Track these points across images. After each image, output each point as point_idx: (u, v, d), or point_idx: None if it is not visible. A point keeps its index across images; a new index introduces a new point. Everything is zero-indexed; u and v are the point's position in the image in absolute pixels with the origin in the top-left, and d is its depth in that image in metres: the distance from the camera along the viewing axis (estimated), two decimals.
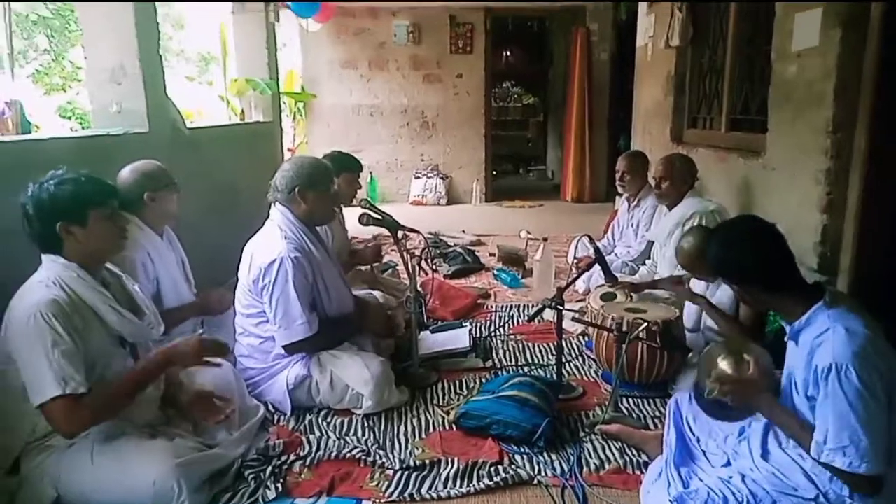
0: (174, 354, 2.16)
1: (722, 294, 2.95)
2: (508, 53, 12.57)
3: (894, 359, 1.75)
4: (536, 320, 3.26)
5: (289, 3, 6.59)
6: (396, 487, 2.24)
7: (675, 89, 5.43)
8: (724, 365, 2.01)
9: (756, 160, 3.83)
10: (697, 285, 3.18)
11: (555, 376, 2.98)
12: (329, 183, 2.92)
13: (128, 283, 2.32)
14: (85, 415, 1.96)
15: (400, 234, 3.19)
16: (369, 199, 3.71)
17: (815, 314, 1.83)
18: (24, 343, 1.93)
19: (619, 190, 4.67)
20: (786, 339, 1.97)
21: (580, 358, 3.40)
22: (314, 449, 2.46)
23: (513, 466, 2.36)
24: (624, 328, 2.72)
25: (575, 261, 3.96)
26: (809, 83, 3.27)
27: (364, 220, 3.13)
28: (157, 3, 3.72)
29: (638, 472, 2.32)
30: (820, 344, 1.78)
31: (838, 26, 3.04)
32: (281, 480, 2.27)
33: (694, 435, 2.15)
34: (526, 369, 3.25)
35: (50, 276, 2.02)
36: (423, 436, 2.61)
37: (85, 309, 2.03)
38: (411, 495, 2.21)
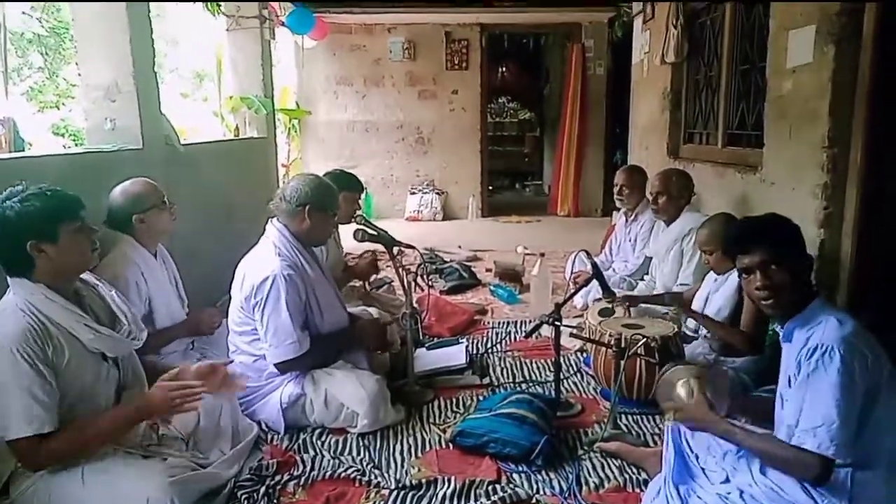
0: (148, 409, 2.12)
1: (721, 297, 2.99)
2: (504, 69, 12.62)
3: (881, 357, 1.77)
4: (534, 336, 3.24)
5: (284, 21, 6.63)
6: None
7: (672, 105, 5.45)
8: (680, 392, 2.09)
9: (753, 175, 3.84)
10: (699, 296, 3.17)
11: (553, 393, 2.95)
12: (335, 207, 2.92)
13: (104, 291, 2.25)
14: (49, 453, 1.94)
15: (395, 249, 3.17)
16: (364, 214, 3.68)
17: (811, 310, 1.88)
18: None
19: (618, 204, 4.67)
20: (780, 340, 1.99)
21: (578, 374, 3.37)
22: (308, 468, 2.42)
23: (511, 485, 2.33)
24: (622, 344, 2.70)
25: (572, 276, 3.94)
26: (804, 99, 3.29)
27: (359, 236, 3.11)
28: (152, 21, 3.72)
29: (637, 490, 2.30)
30: (812, 334, 1.82)
31: (832, 43, 3.06)
32: (275, 501, 2.24)
33: (693, 452, 2.13)
34: (523, 386, 3.22)
35: (18, 302, 1.95)
36: (420, 454, 2.58)
37: (59, 331, 1.97)
38: None
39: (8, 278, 2.00)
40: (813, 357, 1.74)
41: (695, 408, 2.01)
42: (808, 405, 1.73)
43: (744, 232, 2.03)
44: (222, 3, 5.45)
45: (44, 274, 1.98)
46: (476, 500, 2.23)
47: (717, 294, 3.07)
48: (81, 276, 2.18)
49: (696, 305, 3.18)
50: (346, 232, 3.71)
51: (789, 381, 1.88)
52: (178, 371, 2.25)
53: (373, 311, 3.46)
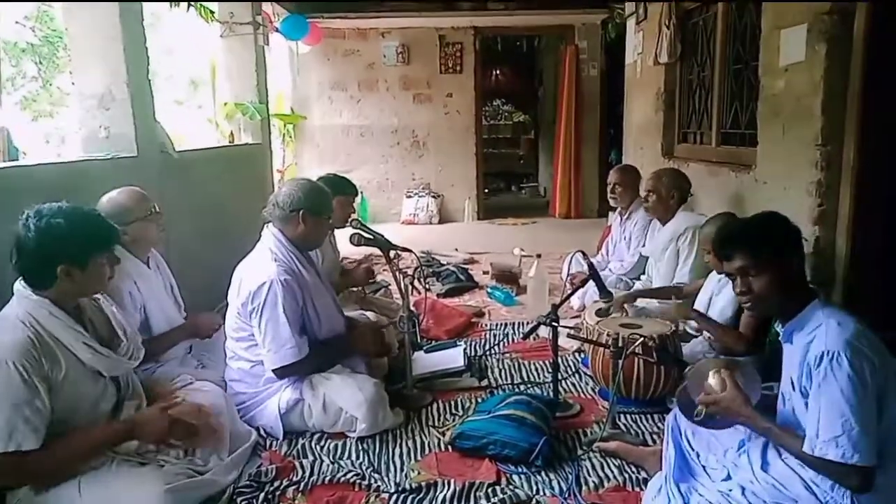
0: (140, 431, 2.11)
1: (723, 299, 2.98)
2: (498, 72, 12.66)
3: (886, 355, 1.76)
4: (531, 338, 3.24)
5: (278, 27, 6.64)
6: None
7: (665, 105, 5.47)
8: (712, 382, 2.02)
9: (747, 174, 3.85)
10: (702, 296, 3.17)
11: (551, 394, 2.95)
12: (329, 211, 2.92)
13: (105, 306, 2.26)
14: (29, 471, 1.92)
15: (392, 253, 3.17)
16: (360, 219, 3.68)
17: (809, 312, 1.86)
18: None
19: (611, 203, 4.70)
20: (780, 339, 1.98)
21: (576, 375, 3.37)
22: (307, 474, 2.41)
23: (511, 486, 2.33)
24: (620, 344, 2.70)
25: (569, 277, 3.94)
26: (797, 97, 3.30)
27: (356, 240, 3.11)
28: (146, 29, 3.71)
29: (637, 490, 2.30)
30: (813, 339, 1.80)
31: (823, 41, 3.07)
32: None
33: (693, 450, 2.13)
34: (522, 387, 3.22)
35: (19, 314, 1.96)
36: (419, 458, 2.57)
37: (57, 345, 1.98)
38: None
39: (15, 288, 2.01)
40: (821, 365, 1.72)
41: (731, 400, 1.92)
42: (824, 415, 1.70)
43: (726, 237, 2.03)
44: (216, 10, 5.46)
45: (60, 293, 2.01)
46: (476, 503, 2.23)
47: (719, 296, 3.07)
48: None
49: (699, 306, 3.18)
50: (342, 237, 3.71)
51: (792, 383, 1.88)
52: (171, 399, 2.29)
53: (370, 315, 3.46)
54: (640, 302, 3.51)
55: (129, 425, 2.12)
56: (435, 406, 3.01)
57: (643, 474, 2.37)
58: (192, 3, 5.15)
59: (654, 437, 2.67)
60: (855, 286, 3.10)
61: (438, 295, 4.94)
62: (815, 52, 3.12)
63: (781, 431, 1.86)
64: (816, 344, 1.77)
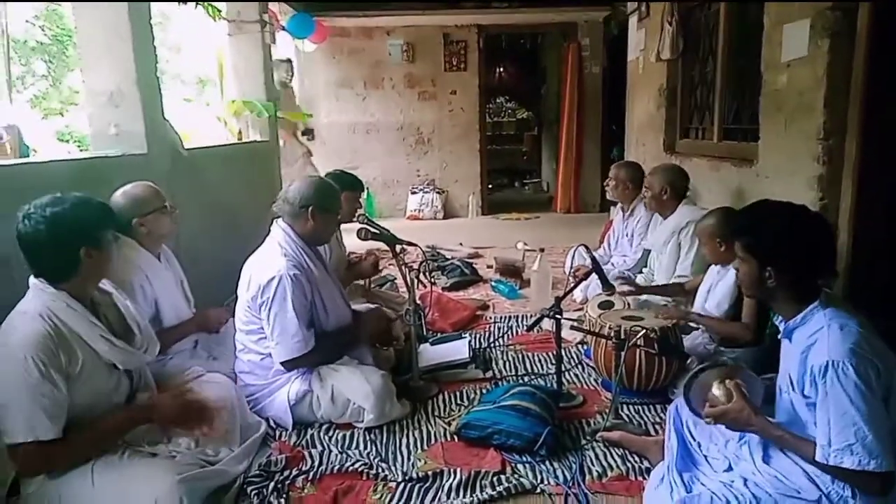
0: (155, 411, 2.19)
1: (721, 291, 3.01)
2: (502, 69, 12.68)
3: (889, 358, 1.76)
4: (535, 330, 3.27)
5: (284, 25, 6.68)
6: (399, 499, 2.25)
7: (667, 101, 5.48)
8: (717, 393, 2.01)
9: (749, 168, 3.87)
10: (702, 289, 3.20)
11: (555, 385, 2.99)
12: (338, 207, 2.96)
13: (119, 300, 2.30)
14: (50, 461, 1.97)
15: (398, 247, 3.21)
16: (367, 214, 3.72)
17: (810, 313, 1.86)
18: (2, 379, 1.91)
19: (608, 197, 4.77)
20: (779, 336, 2.00)
21: (580, 366, 3.40)
22: (316, 463, 2.46)
23: (515, 476, 2.37)
24: (622, 336, 2.74)
25: (572, 270, 3.98)
26: (799, 92, 3.32)
27: (362, 235, 3.15)
28: (153, 28, 3.75)
29: (640, 479, 2.33)
30: (814, 342, 1.80)
31: (826, 36, 3.09)
32: (284, 496, 2.27)
33: (695, 440, 2.15)
34: (526, 379, 3.25)
35: (37, 307, 1.98)
36: (425, 447, 2.61)
37: (74, 339, 2.01)
38: None
39: (31, 283, 2.04)
40: (827, 375, 1.71)
41: (738, 412, 1.90)
42: (835, 424, 1.69)
43: (738, 221, 2.10)
44: (223, 9, 5.49)
45: (79, 282, 2.04)
46: (482, 491, 2.27)
47: (716, 288, 3.10)
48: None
49: (699, 297, 3.21)
50: (347, 231, 3.75)
51: (791, 382, 1.88)
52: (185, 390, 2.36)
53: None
54: (644, 294, 3.55)
55: (146, 408, 2.19)
56: (441, 397, 3.05)
57: (646, 464, 2.40)
58: (200, 1, 5.17)
59: (657, 427, 2.71)
60: (856, 279, 3.12)
61: (443, 288, 4.97)
62: (818, 48, 3.15)
63: (795, 439, 1.85)
64: (818, 349, 1.77)
